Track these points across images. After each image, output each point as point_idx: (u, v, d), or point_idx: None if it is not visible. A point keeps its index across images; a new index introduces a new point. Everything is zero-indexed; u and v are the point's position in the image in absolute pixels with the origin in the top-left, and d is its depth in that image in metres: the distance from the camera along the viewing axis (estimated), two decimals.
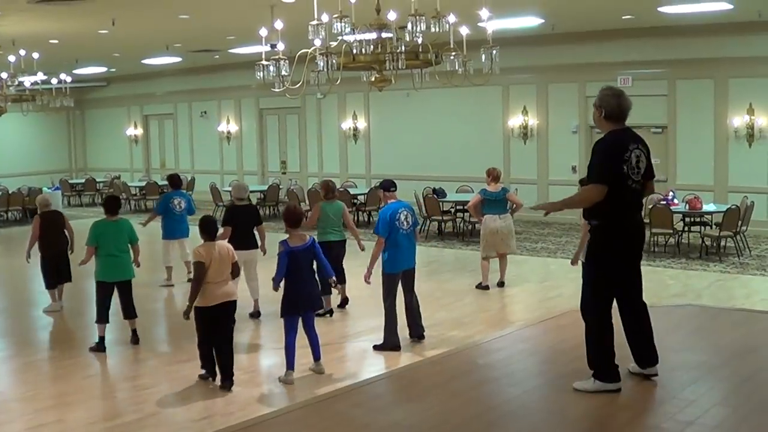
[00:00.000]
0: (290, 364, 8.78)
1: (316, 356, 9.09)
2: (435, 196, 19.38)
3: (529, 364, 8.07)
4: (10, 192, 24.87)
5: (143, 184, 27.10)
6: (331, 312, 11.77)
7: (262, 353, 10.09)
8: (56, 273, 12.47)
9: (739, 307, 11.38)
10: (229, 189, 23.61)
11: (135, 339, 10.49)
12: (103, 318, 10.28)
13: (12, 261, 18.35)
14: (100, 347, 10.17)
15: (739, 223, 15.62)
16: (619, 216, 6.55)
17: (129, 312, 10.52)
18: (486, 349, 8.66)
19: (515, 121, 21.45)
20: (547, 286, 13.60)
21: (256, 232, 11.75)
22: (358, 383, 8.15)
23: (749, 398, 6.60)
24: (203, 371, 8.87)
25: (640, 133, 20.77)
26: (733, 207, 15.40)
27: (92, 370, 9.59)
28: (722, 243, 15.69)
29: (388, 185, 10.20)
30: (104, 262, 10.34)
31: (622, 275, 6.72)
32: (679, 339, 8.19)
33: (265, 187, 24.31)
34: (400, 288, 9.96)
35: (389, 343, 9.87)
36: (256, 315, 11.67)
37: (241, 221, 11.55)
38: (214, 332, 8.65)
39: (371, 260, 9.79)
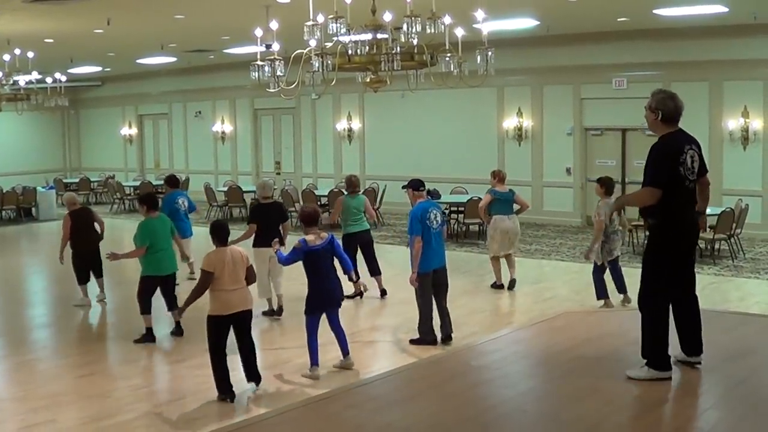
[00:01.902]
0: (314, 360, 8.97)
1: (345, 351, 9.22)
2: (429, 197, 19.33)
3: (523, 365, 8.06)
4: (4, 191, 24.82)
5: (137, 183, 27.06)
6: (384, 292, 12.86)
7: (258, 353, 10.06)
8: (89, 269, 12.71)
9: (733, 309, 11.39)
10: (224, 189, 23.74)
11: (179, 331, 10.73)
12: (147, 309, 10.65)
13: (6, 260, 18.32)
14: (148, 338, 10.53)
15: (734, 225, 15.64)
16: (675, 215, 6.76)
17: (172, 304, 10.81)
18: (480, 350, 8.65)
19: (510, 122, 21.45)
20: (542, 288, 13.61)
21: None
22: (353, 384, 8.14)
23: (743, 401, 6.60)
24: (221, 395, 8.30)
25: (634, 134, 20.76)
26: (728, 210, 15.43)
27: (85, 369, 9.57)
28: (716, 246, 15.70)
29: (417, 184, 10.42)
30: (154, 258, 10.63)
31: (678, 270, 6.93)
32: (673, 342, 8.19)
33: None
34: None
35: (426, 340, 10.06)
36: (278, 312, 11.76)
37: (265, 219, 11.66)
38: (238, 342, 8.47)
39: (413, 261, 9.89)
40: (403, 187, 10.78)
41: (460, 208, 19.03)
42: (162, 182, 26.23)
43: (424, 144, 22.85)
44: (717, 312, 10.73)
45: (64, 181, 29.42)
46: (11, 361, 10.08)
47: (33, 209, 25.06)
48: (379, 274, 12.92)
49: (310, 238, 8.88)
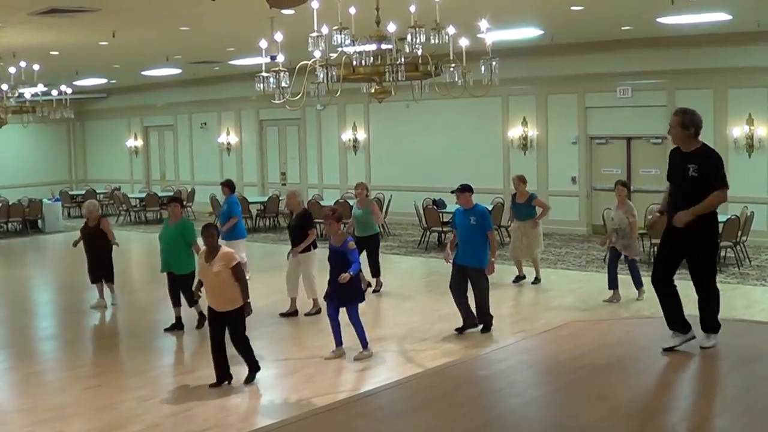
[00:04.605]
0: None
1: (337, 342, 10.19)
2: (435, 207, 19.39)
3: (530, 374, 8.06)
4: (10, 203, 24.87)
5: (143, 195, 27.11)
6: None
7: (262, 364, 10.05)
8: (98, 272, 13.45)
9: (739, 317, 11.36)
10: None
11: (179, 324, 11.74)
12: (172, 302, 11.78)
13: (13, 272, 18.35)
14: (177, 326, 11.69)
15: (739, 233, 15.63)
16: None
17: (189, 302, 11.63)
18: (487, 360, 8.65)
19: (515, 132, 21.47)
20: (548, 297, 13.60)
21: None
22: (359, 394, 8.15)
23: (749, 409, 6.58)
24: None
25: (639, 143, 20.80)
26: (733, 217, 15.40)
27: (92, 381, 9.58)
28: (722, 253, 15.66)
29: (472, 188, 11.51)
30: (161, 258, 11.88)
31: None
32: (679, 349, 8.19)
33: (265, 199, 24.32)
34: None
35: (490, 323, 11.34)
36: (316, 312, 12.47)
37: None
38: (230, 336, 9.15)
39: (492, 252, 11.10)
40: (455, 192, 11.53)
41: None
42: (170, 193, 26.60)
43: (430, 154, 22.86)
44: (723, 320, 10.70)
45: (70, 193, 29.48)
46: (18, 372, 10.09)
47: (39, 221, 25.08)
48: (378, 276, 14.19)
49: (332, 238, 10.14)
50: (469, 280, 11.10)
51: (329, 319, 10.12)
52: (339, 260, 9.92)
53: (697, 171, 7.59)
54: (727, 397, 6.96)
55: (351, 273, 9.76)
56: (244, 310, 9.03)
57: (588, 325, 10.18)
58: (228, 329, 9.08)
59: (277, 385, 9.25)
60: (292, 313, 12.47)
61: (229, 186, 15.01)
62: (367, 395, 7.83)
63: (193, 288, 9.73)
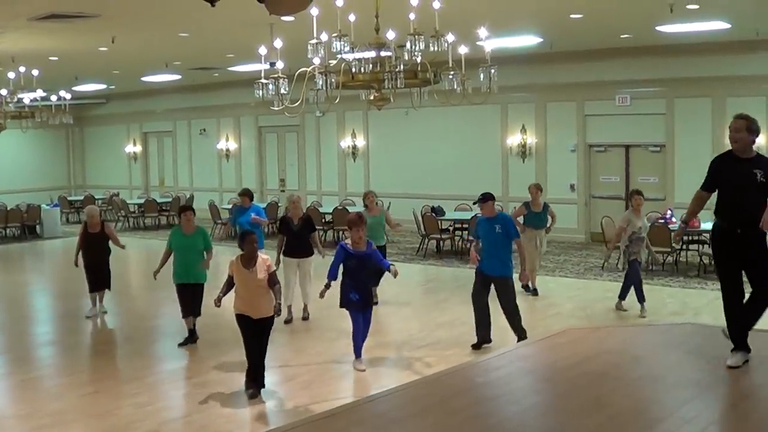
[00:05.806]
0: (355, 352, 10.01)
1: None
2: (433, 214, 19.40)
3: (527, 382, 8.05)
4: (8, 208, 24.85)
5: (142, 201, 27.11)
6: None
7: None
8: (94, 279, 13.31)
9: None
10: (228, 207, 23.76)
11: (192, 337, 11.40)
12: (183, 313, 11.40)
13: (11, 277, 18.33)
14: (187, 340, 11.32)
15: None
16: None
17: (192, 311, 11.40)
18: (485, 367, 8.64)
19: (514, 139, 21.50)
20: (546, 304, 13.60)
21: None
22: (357, 401, 8.12)
23: (748, 416, 6.58)
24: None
25: (638, 151, 20.72)
26: None
27: (90, 387, 9.57)
28: None
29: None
30: (178, 268, 11.41)
31: None
32: (677, 357, 8.18)
33: (264, 205, 24.28)
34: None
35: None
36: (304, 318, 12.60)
37: None
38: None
39: (526, 259, 11.27)
40: (478, 202, 11.14)
41: (464, 225, 19.02)
42: (168, 199, 26.62)
43: (429, 161, 22.88)
44: (721, 327, 10.70)
45: (69, 198, 29.47)
46: (15, 378, 10.08)
47: (37, 227, 25.09)
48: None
49: (353, 242, 9.98)
50: (496, 290, 10.77)
51: (355, 325, 9.94)
52: (361, 265, 9.92)
53: (765, 177, 7.33)
54: (725, 404, 6.95)
55: (392, 268, 10.19)
56: (276, 310, 9.05)
57: (586, 333, 10.17)
58: (260, 333, 9.00)
59: (275, 392, 9.23)
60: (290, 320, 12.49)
61: (249, 196, 14.70)
62: (364, 402, 7.82)
63: (219, 295, 9.08)
